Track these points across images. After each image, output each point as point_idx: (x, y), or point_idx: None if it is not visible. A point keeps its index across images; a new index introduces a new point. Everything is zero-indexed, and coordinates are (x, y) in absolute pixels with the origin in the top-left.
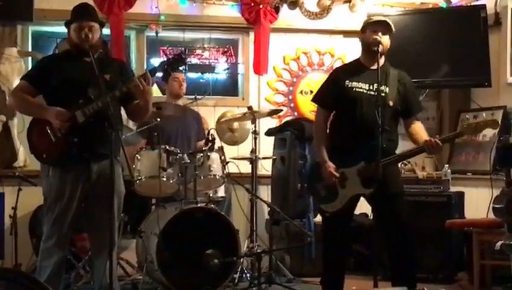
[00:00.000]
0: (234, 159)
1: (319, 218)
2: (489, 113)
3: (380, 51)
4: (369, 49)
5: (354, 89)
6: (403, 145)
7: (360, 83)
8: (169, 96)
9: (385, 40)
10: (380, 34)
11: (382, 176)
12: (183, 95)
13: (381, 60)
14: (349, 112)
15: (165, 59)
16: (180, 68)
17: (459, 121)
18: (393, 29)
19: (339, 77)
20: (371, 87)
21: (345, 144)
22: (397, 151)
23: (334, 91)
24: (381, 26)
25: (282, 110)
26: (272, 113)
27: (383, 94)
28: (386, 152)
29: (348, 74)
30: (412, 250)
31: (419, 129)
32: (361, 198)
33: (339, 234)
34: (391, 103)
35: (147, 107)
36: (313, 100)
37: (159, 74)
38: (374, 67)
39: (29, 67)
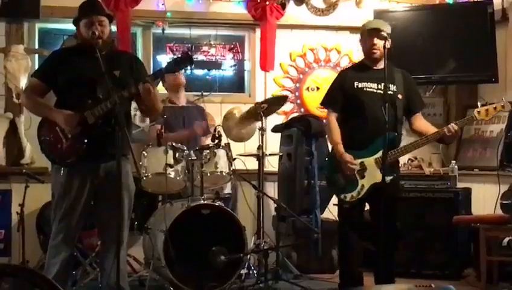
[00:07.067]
0: (241, 155)
1: (325, 214)
2: None
3: (377, 57)
4: (368, 56)
5: (365, 88)
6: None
7: (368, 83)
8: (169, 89)
9: (381, 46)
10: (375, 40)
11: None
12: (183, 83)
13: (382, 62)
14: (361, 111)
15: (172, 58)
16: (188, 67)
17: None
18: (390, 33)
19: (347, 78)
20: (379, 86)
21: (358, 141)
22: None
23: (344, 93)
24: (377, 33)
25: (287, 96)
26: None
27: (391, 92)
28: (397, 144)
29: (355, 75)
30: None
31: (425, 123)
32: None
33: (355, 225)
34: (400, 96)
35: (153, 108)
36: (323, 104)
37: None
38: (378, 67)
39: (36, 65)
